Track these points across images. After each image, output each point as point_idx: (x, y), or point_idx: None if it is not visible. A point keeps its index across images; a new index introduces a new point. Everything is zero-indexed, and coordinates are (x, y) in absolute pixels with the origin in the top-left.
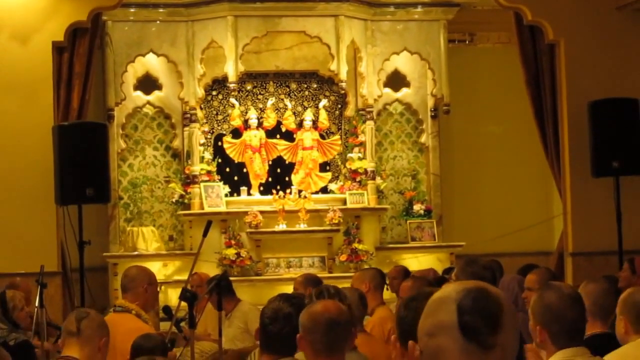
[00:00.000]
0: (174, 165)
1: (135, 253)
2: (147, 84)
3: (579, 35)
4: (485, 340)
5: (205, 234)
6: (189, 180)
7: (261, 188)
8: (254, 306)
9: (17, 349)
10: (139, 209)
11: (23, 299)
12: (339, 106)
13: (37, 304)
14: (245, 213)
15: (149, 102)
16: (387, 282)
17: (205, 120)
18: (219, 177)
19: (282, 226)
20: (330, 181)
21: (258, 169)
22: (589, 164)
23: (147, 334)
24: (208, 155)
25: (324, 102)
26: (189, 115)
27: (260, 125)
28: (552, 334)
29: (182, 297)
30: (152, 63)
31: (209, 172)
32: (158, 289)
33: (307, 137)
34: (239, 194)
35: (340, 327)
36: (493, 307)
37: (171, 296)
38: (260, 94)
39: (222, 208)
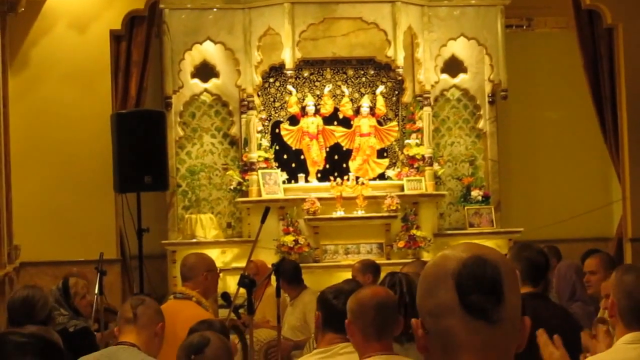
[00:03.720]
0: (232, 153)
1: (194, 240)
2: (205, 71)
3: (637, 20)
4: (491, 316)
5: (263, 221)
6: (247, 168)
7: (319, 175)
8: (316, 295)
9: (77, 336)
10: (197, 196)
11: (86, 287)
12: (396, 92)
13: (96, 291)
14: (303, 200)
15: (206, 90)
16: None
17: (262, 108)
18: (277, 164)
19: (339, 213)
20: (388, 167)
21: (315, 156)
22: None
23: (207, 319)
24: (265, 143)
25: (381, 88)
26: (246, 103)
27: (317, 112)
28: (621, 310)
29: (241, 283)
30: (209, 51)
31: (266, 159)
32: (219, 275)
33: (365, 123)
34: (296, 181)
35: (389, 310)
36: (492, 277)
37: (229, 283)
38: (317, 80)
39: (280, 195)
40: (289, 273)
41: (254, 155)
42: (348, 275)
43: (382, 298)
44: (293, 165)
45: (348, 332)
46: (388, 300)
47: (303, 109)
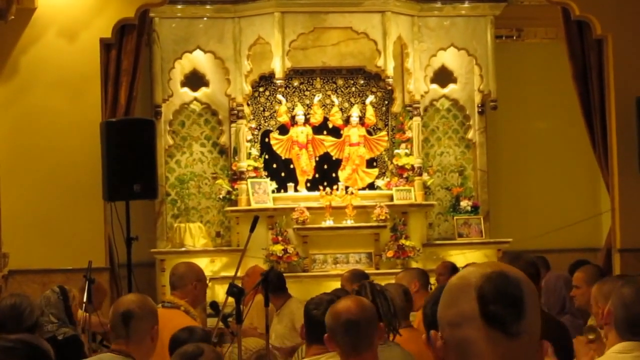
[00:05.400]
0: (221, 162)
1: (183, 249)
2: (194, 80)
3: (627, 31)
4: (510, 328)
5: (252, 230)
6: (236, 177)
7: (308, 184)
8: (302, 303)
9: (65, 344)
10: (186, 205)
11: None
12: (386, 102)
13: (84, 299)
14: (292, 209)
15: (196, 99)
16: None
17: (252, 117)
18: (266, 174)
19: (329, 222)
20: (377, 177)
21: (305, 165)
22: (637, 160)
23: (189, 326)
24: (255, 152)
25: (370, 98)
26: (236, 112)
27: (307, 121)
28: (617, 320)
29: (229, 292)
30: (199, 59)
31: (256, 169)
32: (207, 284)
33: (354, 133)
34: (285, 190)
35: (360, 327)
36: (514, 292)
37: (218, 292)
38: (307, 90)
39: (269, 204)
40: (273, 282)
41: (244, 164)
42: (337, 284)
43: (352, 314)
44: (282, 174)
45: (329, 347)
46: (360, 314)
47: (293, 118)
